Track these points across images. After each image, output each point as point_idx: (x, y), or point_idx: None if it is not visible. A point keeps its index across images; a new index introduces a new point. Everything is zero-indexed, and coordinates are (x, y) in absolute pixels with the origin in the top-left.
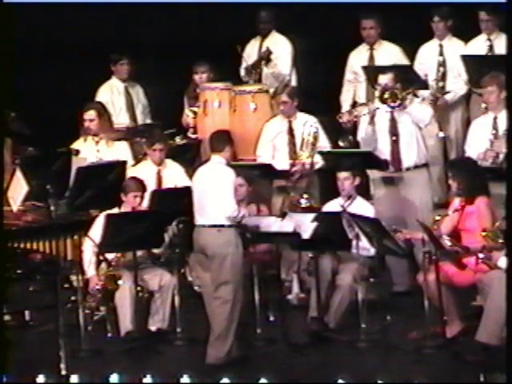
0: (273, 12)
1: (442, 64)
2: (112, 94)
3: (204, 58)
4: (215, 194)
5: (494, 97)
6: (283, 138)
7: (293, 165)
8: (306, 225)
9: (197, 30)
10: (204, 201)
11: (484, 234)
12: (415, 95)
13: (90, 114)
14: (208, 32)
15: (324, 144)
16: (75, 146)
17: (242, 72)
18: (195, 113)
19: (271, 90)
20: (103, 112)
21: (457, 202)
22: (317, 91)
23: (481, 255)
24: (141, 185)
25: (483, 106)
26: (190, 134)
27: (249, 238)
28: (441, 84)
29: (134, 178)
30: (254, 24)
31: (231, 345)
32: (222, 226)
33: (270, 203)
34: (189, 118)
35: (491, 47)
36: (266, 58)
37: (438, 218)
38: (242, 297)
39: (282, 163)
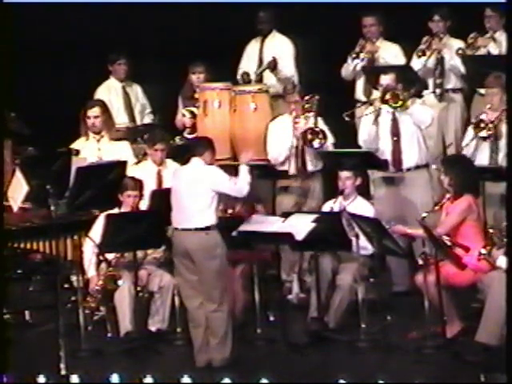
0: (272, 12)
1: (441, 63)
2: (110, 94)
3: (203, 58)
4: (202, 195)
5: (498, 98)
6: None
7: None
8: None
9: (196, 29)
10: (189, 202)
11: (491, 231)
12: (418, 96)
13: (95, 111)
14: (208, 32)
15: (330, 141)
16: (77, 144)
17: (238, 76)
18: (192, 112)
19: (271, 90)
20: (106, 110)
21: (446, 198)
22: (317, 91)
23: (483, 251)
24: (138, 184)
25: (487, 106)
26: (186, 135)
27: (245, 238)
28: (438, 81)
29: (131, 178)
30: (254, 24)
31: (233, 344)
32: (210, 227)
33: (274, 203)
34: (185, 118)
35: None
36: (272, 67)
37: (424, 215)
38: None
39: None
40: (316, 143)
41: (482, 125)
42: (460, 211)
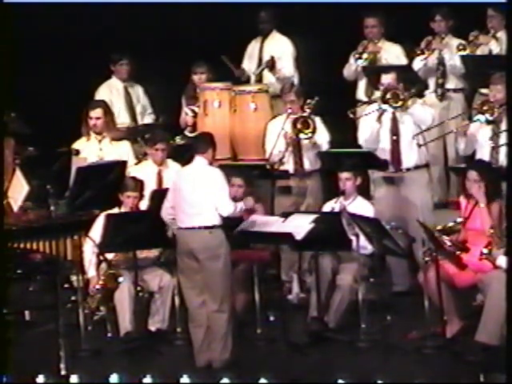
0: (272, 12)
1: (442, 63)
2: (111, 93)
3: (204, 58)
4: (206, 195)
5: (502, 95)
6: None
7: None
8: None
9: (197, 30)
10: (193, 202)
11: (492, 231)
12: (419, 96)
13: (97, 112)
14: (208, 32)
15: (326, 139)
16: (78, 144)
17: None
18: (194, 111)
19: (271, 90)
20: (108, 111)
21: (463, 202)
22: (317, 91)
23: (485, 250)
24: (138, 185)
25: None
26: (187, 133)
27: (245, 238)
28: (440, 81)
29: (132, 178)
30: (254, 24)
31: (233, 344)
32: (213, 226)
33: (273, 203)
34: (188, 117)
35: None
36: (270, 66)
37: (451, 224)
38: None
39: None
40: (303, 135)
41: (486, 107)
42: (502, 216)
